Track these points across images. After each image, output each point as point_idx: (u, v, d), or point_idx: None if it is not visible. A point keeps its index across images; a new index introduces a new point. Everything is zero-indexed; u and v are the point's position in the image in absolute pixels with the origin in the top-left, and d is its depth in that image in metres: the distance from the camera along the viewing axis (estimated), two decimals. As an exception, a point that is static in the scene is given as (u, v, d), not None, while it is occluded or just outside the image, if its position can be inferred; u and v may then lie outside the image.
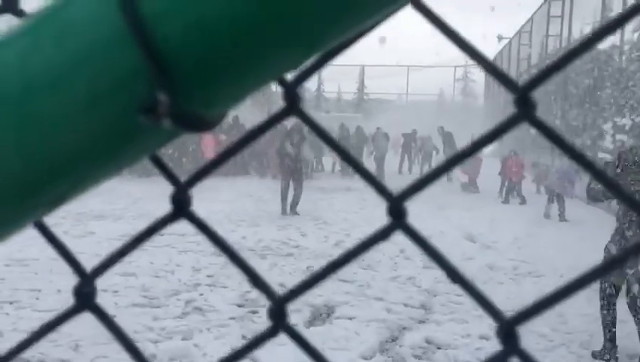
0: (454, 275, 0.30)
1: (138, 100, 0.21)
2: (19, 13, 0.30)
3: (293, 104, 0.27)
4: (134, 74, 0.21)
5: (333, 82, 45.19)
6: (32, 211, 0.26)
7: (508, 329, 0.29)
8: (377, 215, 9.72)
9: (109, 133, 0.22)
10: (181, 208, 0.30)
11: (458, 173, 14.35)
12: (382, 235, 0.32)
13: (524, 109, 0.28)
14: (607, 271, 0.28)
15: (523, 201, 12.29)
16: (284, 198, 9.99)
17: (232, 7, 0.20)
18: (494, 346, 3.15)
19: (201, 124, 0.23)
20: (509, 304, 5.36)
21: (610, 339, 4.02)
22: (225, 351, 4.07)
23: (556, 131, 0.28)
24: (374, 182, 0.31)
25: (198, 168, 0.30)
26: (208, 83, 0.22)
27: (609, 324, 4.03)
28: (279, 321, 0.32)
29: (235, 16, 0.20)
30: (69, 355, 3.98)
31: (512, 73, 27.52)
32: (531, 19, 23.00)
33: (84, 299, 0.35)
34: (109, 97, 0.21)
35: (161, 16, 0.20)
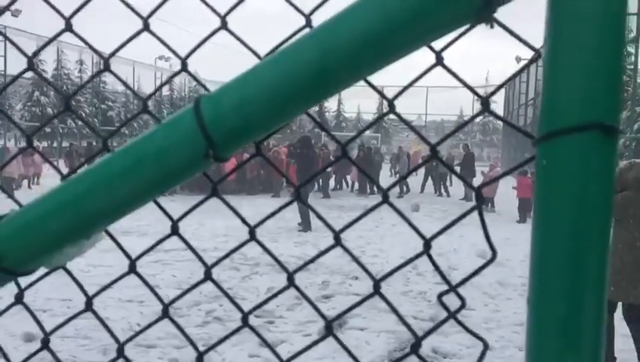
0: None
1: (202, 153, 0.52)
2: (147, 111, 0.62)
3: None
4: (200, 144, 0.52)
5: (354, 102, 45.69)
6: (138, 203, 0.58)
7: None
8: (392, 233, 9.97)
9: (191, 165, 0.54)
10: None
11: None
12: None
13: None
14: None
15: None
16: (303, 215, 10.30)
17: (239, 121, 0.50)
18: (497, 355, 3.42)
19: (227, 159, 0.54)
20: (517, 318, 5.56)
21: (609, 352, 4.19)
22: (242, 356, 4.34)
23: None
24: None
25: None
26: (232, 146, 0.53)
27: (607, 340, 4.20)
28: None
29: (241, 124, 0.50)
30: (98, 358, 4.29)
31: (531, 94, 27.68)
32: (546, 39, 23.09)
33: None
34: (191, 152, 0.53)
35: (211, 122, 0.51)
